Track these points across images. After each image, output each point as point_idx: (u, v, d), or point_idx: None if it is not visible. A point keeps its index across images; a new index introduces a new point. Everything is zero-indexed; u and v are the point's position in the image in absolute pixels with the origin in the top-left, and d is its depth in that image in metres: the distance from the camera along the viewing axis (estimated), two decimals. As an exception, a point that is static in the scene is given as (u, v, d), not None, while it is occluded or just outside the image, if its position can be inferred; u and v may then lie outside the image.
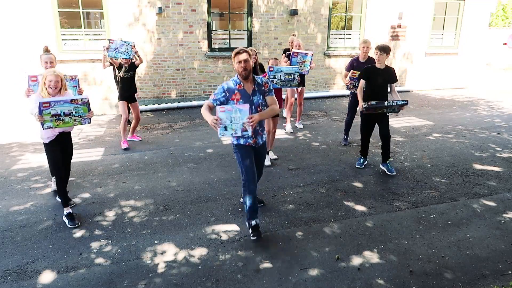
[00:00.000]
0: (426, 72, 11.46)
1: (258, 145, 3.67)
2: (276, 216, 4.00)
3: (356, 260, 3.26)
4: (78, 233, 3.67)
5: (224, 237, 3.62)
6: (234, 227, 3.78)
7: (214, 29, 10.18)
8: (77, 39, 8.57)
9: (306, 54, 6.29)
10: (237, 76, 3.52)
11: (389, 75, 4.93)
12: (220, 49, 9.47)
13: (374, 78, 4.89)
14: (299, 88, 7.08)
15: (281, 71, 5.07)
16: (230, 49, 9.49)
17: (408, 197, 4.45)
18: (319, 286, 2.96)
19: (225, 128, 3.31)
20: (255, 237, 3.55)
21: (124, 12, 8.40)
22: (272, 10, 9.58)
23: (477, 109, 9.17)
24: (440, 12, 11.49)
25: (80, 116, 3.72)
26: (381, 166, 5.22)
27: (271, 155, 5.61)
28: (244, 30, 9.77)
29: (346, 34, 10.87)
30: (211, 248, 3.43)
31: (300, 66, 6.29)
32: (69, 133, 4.10)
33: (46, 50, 4.69)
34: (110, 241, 3.54)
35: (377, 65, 4.88)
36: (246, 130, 3.35)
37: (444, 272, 3.12)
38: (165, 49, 8.90)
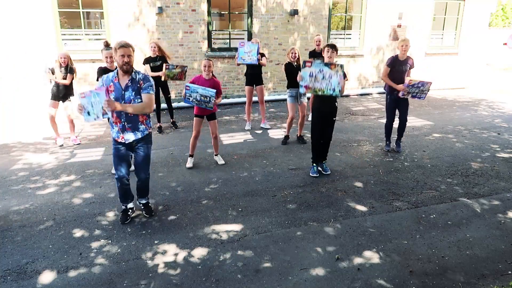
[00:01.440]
0: (426, 72, 11.46)
1: (127, 142, 3.66)
2: (276, 216, 4.00)
3: (356, 260, 3.26)
4: (78, 233, 3.67)
5: (224, 237, 3.62)
6: (234, 227, 3.78)
7: (214, 29, 10.18)
8: (77, 39, 8.57)
9: (254, 43, 6.68)
10: (117, 69, 3.58)
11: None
12: (220, 49, 9.47)
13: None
14: (258, 87, 7.04)
15: (197, 92, 4.85)
16: (230, 49, 9.50)
17: (408, 197, 4.45)
18: (319, 286, 2.96)
19: (88, 113, 3.48)
20: (122, 223, 3.82)
21: (124, 12, 8.41)
22: (272, 10, 9.58)
23: (477, 109, 9.17)
24: (440, 12, 11.49)
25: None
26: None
27: (219, 160, 5.52)
28: (244, 30, 9.77)
29: (346, 34, 10.87)
30: (211, 248, 3.43)
31: (248, 56, 6.60)
32: None
33: (107, 45, 4.85)
34: (110, 241, 3.54)
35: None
36: (106, 113, 3.50)
37: (444, 272, 3.12)
38: (165, 49, 8.89)
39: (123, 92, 3.53)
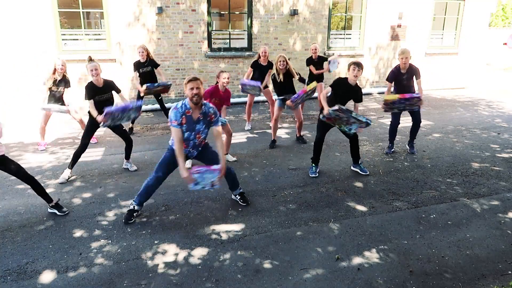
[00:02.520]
0: (426, 72, 11.45)
1: (192, 156, 4.01)
2: (276, 216, 4.00)
3: (356, 260, 3.26)
4: (78, 233, 3.67)
5: (224, 237, 3.62)
6: (234, 227, 3.78)
7: (214, 29, 10.18)
8: (77, 39, 8.57)
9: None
10: (187, 101, 3.67)
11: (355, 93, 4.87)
12: (220, 49, 9.47)
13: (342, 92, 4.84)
14: (266, 90, 6.99)
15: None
16: (230, 49, 9.50)
17: (408, 197, 4.45)
18: (319, 286, 2.96)
19: (197, 184, 3.71)
20: (126, 223, 3.85)
21: (124, 12, 8.41)
22: (272, 10, 9.58)
23: (477, 109, 9.17)
24: (440, 12, 11.49)
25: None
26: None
27: (230, 157, 5.60)
28: (244, 30, 9.77)
29: (346, 34, 10.87)
30: (211, 248, 3.43)
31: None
32: None
33: (90, 60, 4.80)
34: (110, 241, 3.54)
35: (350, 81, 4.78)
36: (215, 185, 3.77)
37: (444, 272, 3.12)
38: (165, 49, 8.91)
39: (194, 124, 3.74)
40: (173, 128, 3.63)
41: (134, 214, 3.92)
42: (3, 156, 3.72)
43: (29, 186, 4.66)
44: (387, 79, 5.69)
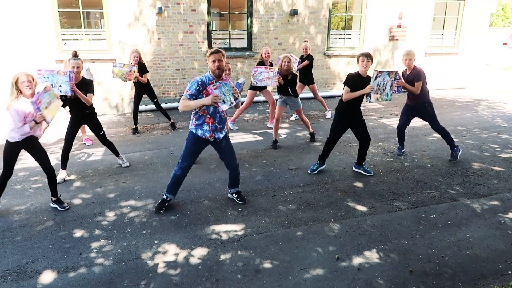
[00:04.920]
0: (426, 72, 11.45)
1: (218, 139, 3.97)
2: (276, 216, 4.00)
3: (356, 260, 3.26)
4: (78, 233, 3.67)
5: (224, 237, 3.62)
6: (234, 227, 3.78)
7: (214, 29, 10.19)
8: (77, 39, 8.57)
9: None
10: (210, 74, 3.76)
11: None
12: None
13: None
14: (265, 90, 7.08)
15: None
16: (230, 49, 9.49)
17: (408, 197, 4.45)
18: (319, 286, 2.96)
19: (224, 101, 3.75)
20: (156, 211, 4.05)
21: (124, 12, 8.40)
22: (272, 10, 9.58)
23: (478, 109, 9.17)
24: (440, 12, 11.49)
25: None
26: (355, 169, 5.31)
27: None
28: (244, 30, 9.77)
29: (346, 34, 10.87)
30: (211, 248, 3.43)
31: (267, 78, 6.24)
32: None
33: (75, 55, 4.75)
34: (110, 241, 3.54)
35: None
36: (237, 99, 3.84)
37: (444, 272, 3.12)
38: (165, 49, 8.90)
39: None
40: (184, 97, 3.70)
41: (166, 204, 4.10)
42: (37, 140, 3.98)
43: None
44: None
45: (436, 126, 5.57)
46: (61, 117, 7.35)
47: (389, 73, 4.76)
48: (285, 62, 5.88)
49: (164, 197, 4.12)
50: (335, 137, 4.98)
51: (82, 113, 4.97)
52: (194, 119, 3.90)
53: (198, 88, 3.69)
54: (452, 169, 5.27)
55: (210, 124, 3.87)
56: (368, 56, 4.62)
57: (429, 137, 6.76)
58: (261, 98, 9.07)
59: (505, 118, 8.23)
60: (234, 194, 4.33)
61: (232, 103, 3.81)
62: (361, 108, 4.97)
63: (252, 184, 4.80)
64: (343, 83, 4.80)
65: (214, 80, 3.74)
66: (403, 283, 2.99)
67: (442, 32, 11.69)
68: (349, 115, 4.88)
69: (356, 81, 4.69)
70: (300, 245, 3.49)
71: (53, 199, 4.14)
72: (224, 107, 3.76)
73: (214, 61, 3.65)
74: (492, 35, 17.36)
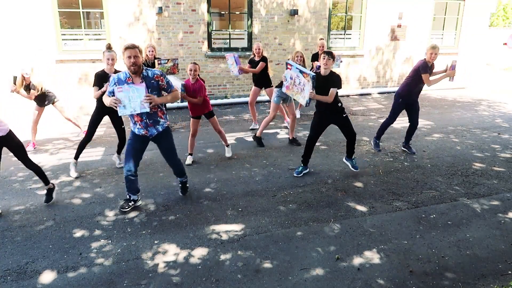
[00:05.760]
0: (426, 72, 11.46)
1: (152, 136, 3.93)
2: (276, 216, 4.00)
3: (356, 260, 3.26)
4: (78, 233, 3.67)
5: (224, 237, 3.62)
6: (234, 227, 3.78)
7: (214, 29, 10.19)
8: (77, 39, 8.58)
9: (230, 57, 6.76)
10: (127, 71, 3.69)
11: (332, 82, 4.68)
12: (220, 49, 9.47)
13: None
14: (268, 90, 7.07)
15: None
16: (230, 49, 9.50)
17: (408, 197, 4.45)
18: (319, 286, 2.96)
19: (125, 107, 3.59)
20: (122, 211, 4.04)
21: (124, 12, 8.41)
22: (272, 10, 9.58)
23: (478, 109, 9.17)
24: (440, 12, 11.49)
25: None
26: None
27: (228, 152, 5.73)
28: (244, 30, 9.77)
29: (346, 34, 10.87)
30: (211, 248, 3.43)
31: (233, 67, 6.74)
32: None
33: (109, 48, 4.78)
34: (110, 241, 3.54)
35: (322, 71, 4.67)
36: (145, 108, 3.60)
37: (444, 272, 3.12)
38: (165, 49, 8.91)
39: None
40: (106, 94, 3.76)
41: (130, 203, 4.13)
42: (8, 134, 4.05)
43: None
44: (422, 72, 5.59)
45: (417, 119, 5.85)
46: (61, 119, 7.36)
47: (302, 72, 4.51)
48: (298, 57, 5.68)
49: (128, 196, 4.12)
50: (314, 133, 4.96)
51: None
52: (130, 117, 3.91)
53: (115, 84, 3.65)
54: (452, 169, 5.27)
55: (140, 122, 3.82)
56: (329, 54, 4.59)
57: (429, 137, 6.76)
58: (264, 97, 9.07)
59: (505, 118, 8.23)
60: (180, 184, 4.44)
61: (134, 111, 3.61)
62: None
63: (252, 184, 4.80)
64: None
65: (131, 77, 3.65)
66: (403, 283, 2.99)
67: (442, 32, 11.70)
68: (324, 116, 4.88)
69: (319, 80, 4.58)
70: (300, 245, 3.49)
71: (47, 187, 4.28)
72: (122, 112, 3.61)
73: (129, 57, 3.49)
74: (492, 35, 17.37)
